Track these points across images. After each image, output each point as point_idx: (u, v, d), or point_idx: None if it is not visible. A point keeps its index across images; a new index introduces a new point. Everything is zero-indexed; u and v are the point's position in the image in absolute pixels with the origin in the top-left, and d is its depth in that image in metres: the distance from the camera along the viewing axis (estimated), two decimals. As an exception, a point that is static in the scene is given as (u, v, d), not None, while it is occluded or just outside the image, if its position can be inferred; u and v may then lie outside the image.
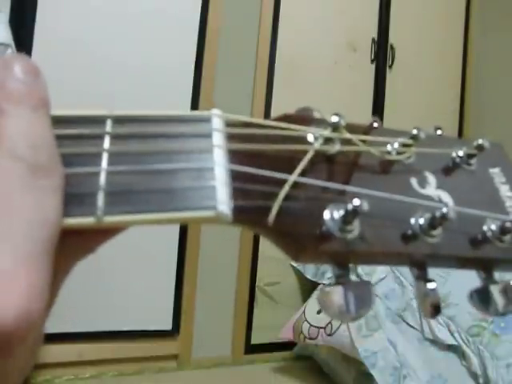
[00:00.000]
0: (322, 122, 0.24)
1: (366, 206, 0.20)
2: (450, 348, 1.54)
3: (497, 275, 0.24)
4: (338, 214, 0.21)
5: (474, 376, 1.48)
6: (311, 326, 1.84)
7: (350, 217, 0.21)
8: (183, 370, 1.90)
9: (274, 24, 2.14)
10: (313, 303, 1.93)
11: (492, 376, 1.43)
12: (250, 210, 0.20)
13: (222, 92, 2.00)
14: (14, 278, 0.15)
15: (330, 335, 1.75)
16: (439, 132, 0.28)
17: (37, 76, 0.19)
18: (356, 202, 0.20)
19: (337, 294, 0.21)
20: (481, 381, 1.46)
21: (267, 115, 2.10)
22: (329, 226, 0.21)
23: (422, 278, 0.23)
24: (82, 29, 1.73)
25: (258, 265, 2.09)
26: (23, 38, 1.58)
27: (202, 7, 1.97)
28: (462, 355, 1.52)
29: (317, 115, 0.25)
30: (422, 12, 2.56)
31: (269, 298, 2.13)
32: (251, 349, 2.07)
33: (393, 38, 2.44)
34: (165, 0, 1.90)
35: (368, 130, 0.26)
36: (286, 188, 0.21)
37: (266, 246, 2.05)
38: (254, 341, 2.08)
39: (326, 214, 0.21)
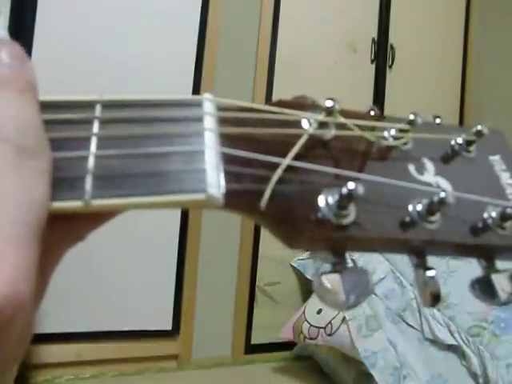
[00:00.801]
0: (316, 108, 0.24)
1: (361, 190, 0.20)
2: (450, 348, 1.54)
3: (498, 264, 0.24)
4: (332, 198, 0.20)
5: (474, 376, 1.48)
6: (311, 326, 1.84)
7: (345, 201, 0.20)
8: (183, 370, 1.90)
9: (274, 24, 2.14)
10: (313, 303, 1.93)
11: (492, 376, 1.43)
12: (242, 193, 0.20)
13: (222, 92, 2.00)
14: None
15: (329, 335, 1.75)
16: (438, 120, 0.28)
17: (23, 60, 0.19)
18: (351, 185, 0.20)
19: (333, 282, 0.20)
20: (481, 381, 1.46)
21: (267, 115, 2.10)
22: (324, 212, 0.20)
23: (421, 265, 0.22)
24: (82, 29, 1.73)
25: (258, 265, 2.09)
26: (23, 38, 1.58)
27: (201, 7, 1.97)
28: (462, 355, 1.52)
29: (312, 102, 0.25)
30: (422, 12, 2.56)
31: (269, 298, 2.13)
32: (251, 349, 2.07)
33: (393, 38, 2.44)
34: (165, 0, 1.90)
35: (364, 116, 0.26)
36: (279, 172, 0.20)
37: (266, 246, 2.05)
38: (254, 341, 2.08)
39: (321, 199, 0.21)
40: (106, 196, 0.19)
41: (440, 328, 1.55)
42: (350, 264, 0.21)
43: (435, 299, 0.22)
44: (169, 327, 1.89)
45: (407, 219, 0.22)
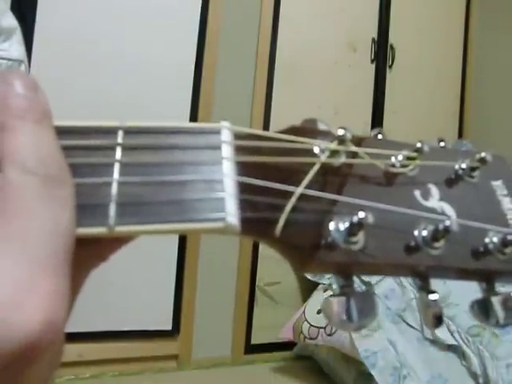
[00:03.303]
0: (327, 134, 0.25)
1: (371, 219, 0.21)
2: (450, 348, 1.54)
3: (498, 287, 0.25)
4: (343, 225, 0.21)
5: (474, 376, 1.48)
6: (311, 326, 1.84)
7: (355, 229, 0.21)
8: (183, 370, 1.90)
9: (274, 24, 2.14)
10: (313, 303, 1.93)
11: (492, 376, 1.43)
12: (257, 221, 0.21)
13: (222, 92, 2.00)
14: (33, 287, 0.15)
15: (329, 335, 1.75)
16: (442, 144, 0.29)
17: (37, 90, 0.19)
18: (361, 214, 0.21)
19: (340, 305, 0.21)
20: (481, 381, 1.46)
21: (267, 115, 2.10)
22: (334, 237, 0.21)
23: (425, 289, 0.23)
24: (82, 29, 1.73)
25: (258, 265, 2.09)
26: (23, 36, 1.58)
27: (201, 7, 1.97)
28: (462, 355, 1.52)
29: (322, 127, 0.26)
30: (422, 12, 2.56)
31: (269, 298, 2.13)
32: (251, 349, 2.07)
33: (393, 38, 2.44)
34: (165, 1, 1.90)
35: (372, 142, 0.27)
36: (293, 200, 0.21)
37: (266, 247, 2.05)
38: (254, 341, 2.08)
39: (332, 226, 0.21)
40: (129, 223, 0.19)
41: (440, 328, 1.55)
42: (357, 287, 0.22)
43: (438, 321, 0.23)
44: (169, 327, 1.89)
45: (412, 243, 0.23)
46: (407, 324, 1.63)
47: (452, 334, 1.54)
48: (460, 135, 2.69)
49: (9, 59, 0.50)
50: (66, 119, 0.20)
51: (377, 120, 2.39)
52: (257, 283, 2.10)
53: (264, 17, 2.12)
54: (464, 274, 0.24)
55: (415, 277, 0.24)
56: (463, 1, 2.72)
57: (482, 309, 0.24)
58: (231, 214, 0.20)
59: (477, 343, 1.50)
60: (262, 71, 2.11)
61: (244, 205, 0.20)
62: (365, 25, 2.39)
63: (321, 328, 1.80)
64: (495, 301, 0.24)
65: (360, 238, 0.21)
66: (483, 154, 0.27)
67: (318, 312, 1.86)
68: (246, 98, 2.08)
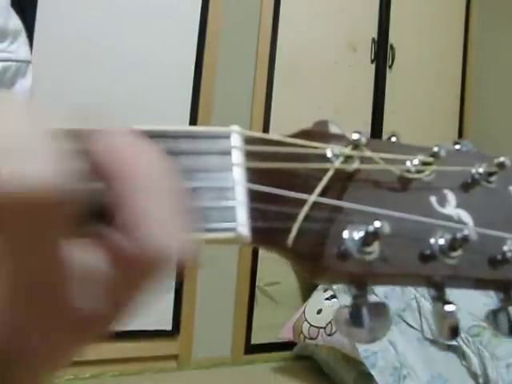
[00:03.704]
0: (340, 138, 0.24)
1: (386, 229, 0.20)
2: (450, 348, 1.54)
3: None
4: (357, 234, 0.21)
5: (474, 376, 1.48)
6: (311, 326, 1.84)
7: (370, 238, 0.20)
8: (183, 370, 1.90)
9: (274, 24, 2.14)
10: (313, 303, 1.93)
11: (492, 376, 1.43)
12: (268, 231, 0.20)
13: (222, 92, 2.00)
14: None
15: (329, 335, 1.75)
16: (457, 146, 0.28)
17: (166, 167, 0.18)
18: (377, 224, 0.20)
19: (353, 316, 0.20)
20: (481, 381, 1.46)
21: (267, 115, 2.10)
22: (348, 246, 0.21)
23: (441, 299, 0.23)
24: (82, 29, 1.74)
25: (258, 265, 2.09)
26: (23, 37, 1.58)
27: (202, 7, 1.97)
28: (462, 355, 1.52)
29: (334, 129, 0.25)
30: (422, 12, 2.56)
31: (269, 298, 2.13)
32: (251, 349, 2.07)
33: (393, 38, 2.44)
34: (165, 1, 1.90)
35: (387, 146, 0.26)
36: (306, 209, 0.21)
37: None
38: (254, 341, 2.08)
39: (346, 234, 0.21)
40: None
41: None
42: (371, 297, 0.21)
43: (454, 332, 0.22)
44: (169, 327, 1.89)
45: (428, 252, 0.22)
46: (407, 324, 1.63)
47: (452, 334, 1.54)
48: (460, 135, 2.69)
49: (17, 61, 0.50)
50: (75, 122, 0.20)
51: (377, 120, 2.39)
52: (257, 283, 2.10)
53: (264, 17, 2.12)
54: (481, 283, 0.24)
55: (430, 287, 0.23)
56: (463, 1, 2.72)
57: (499, 319, 0.23)
58: (242, 223, 0.19)
59: (477, 343, 1.50)
60: (261, 71, 2.11)
61: (255, 213, 0.20)
62: (365, 25, 2.39)
63: (321, 328, 1.80)
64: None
65: (375, 247, 0.21)
66: (502, 159, 0.26)
67: (318, 312, 1.86)
68: (246, 98, 2.08)
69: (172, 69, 1.90)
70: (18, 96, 0.50)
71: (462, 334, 1.53)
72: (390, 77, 2.44)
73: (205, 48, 1.97)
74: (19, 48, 0.51)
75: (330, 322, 1.76)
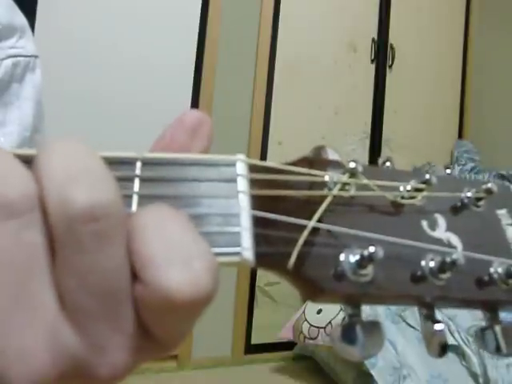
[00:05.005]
0: (337, 165, 0.25)
1: (380, 253, 0.21)
2: (450, 348, 1.54)
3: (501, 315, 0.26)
4: (353, 258, 0.22)
5: (474, 376, 1.48)
6: (311, 326, 1.84)
7: (364, 262, 0.22)
8: (183, 370, 1.90)
9: (274, 24, 2.14)
10: (313, 303, 1.93)
11: (492, 376, 1.43)
12: (271, 255, 0.21)
13: (222, 92, 2.00)
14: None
15: (329, 335, 1.75)
16: (448, 171, 0.30)
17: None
18: (372, 249, 0.21)
19: (347, 333, 0.22)
20: (481, 381, 1.46)
21: (267, 115, 2.10)
22: (344, 269, 0.22)
23: (430, 318, 0.24)
24: (82, 29, 1.74)
25: (257, 265, 2.09)
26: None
27: (201, 8, 1.97)
28: (462, 355, 1.52)
29: (331, 155, 0.26)
30: (422, 12, 2.56)
31: (269, 298, 2.13)
32: (251, 349, 2.07)
33: (393, 38, 2.44)
34: (165, 2, 1.90)
35: (381, 172, 0.27)
36: (305, 234, 0.22)
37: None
38: (254, 341, 2.08)
39: (342, 257, 0.22)
40: None
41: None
42: (365, 316, 0.23)
43: (443, 350, 0.24)
44: (169, 327, 1.89)
45: (419, 273, 0.24)
46: (407, 324, 1.63)
47: (452, 334, 1.54)
48: (460, 135, 2.69)
49: (26, 56, 0.51)
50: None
51: (377, 120, 2.40)
52: (257, 283, 2.10)
53: (264, 17, 2.12)
54: (469, 303, 0.25)
55: (421, 306, 0.24)
56: (463, 1, 2.73)
57: (485, 337, 0.25)
58: (247, 248, 0.20)
59: (477, 343, 1.50)
60: (261, 71, 2.11)
61: (259, 239, 0.21)
62: (365, 24, 2.39)
63: (321, 328, 1.80)
64: (498, 330, 0.24)
65: (369, 270, 0.22)
66: (489, 185, 0.28)
67: (318, 312, 1.86)
68: (246, 98, 2.08)
69: (172, 69, 1.90)
70: None
71: (462, 334, 1.53)
72: (390, 77, 2.44)
73: (205, 48, 1.97)
74: (27, 43, 0.52)
75: (330, 322, 1.77)
